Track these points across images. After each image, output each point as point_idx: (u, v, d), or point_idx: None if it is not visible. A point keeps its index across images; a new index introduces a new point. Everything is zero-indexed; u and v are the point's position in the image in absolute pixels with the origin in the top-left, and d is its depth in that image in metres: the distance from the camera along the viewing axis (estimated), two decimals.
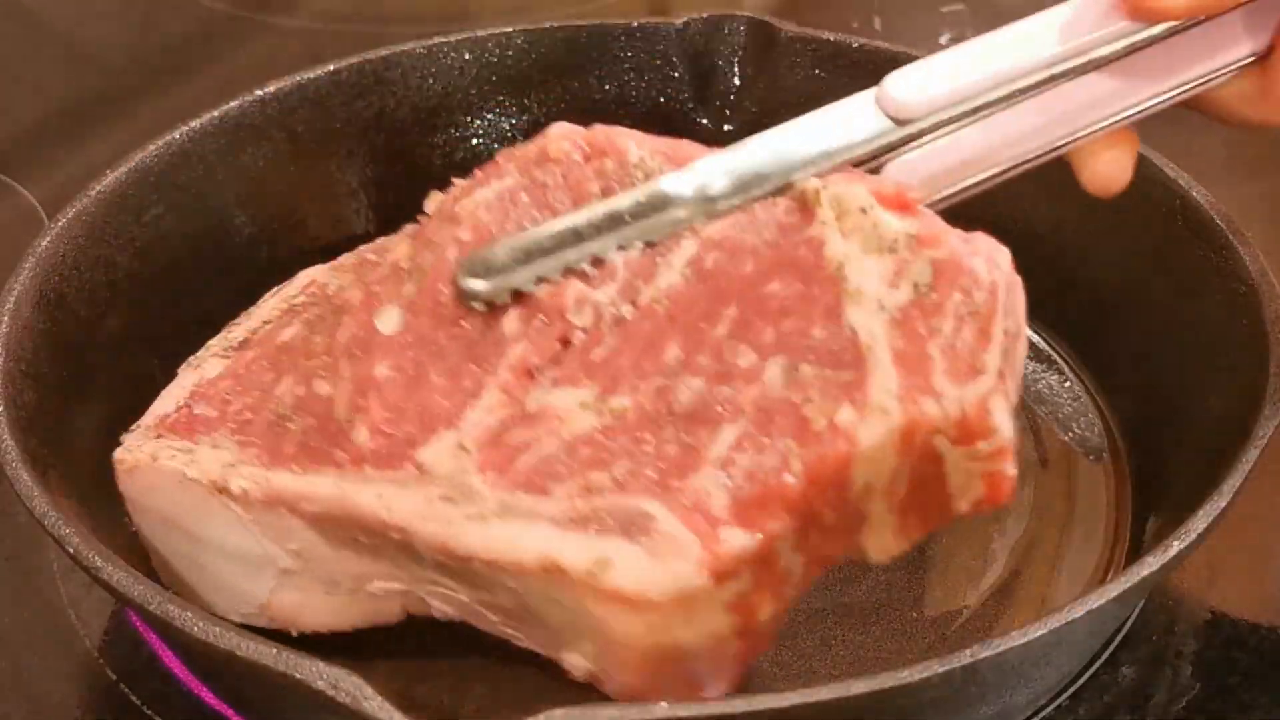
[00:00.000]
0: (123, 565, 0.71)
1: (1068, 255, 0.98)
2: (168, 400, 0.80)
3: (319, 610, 0.78)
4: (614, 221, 0.72)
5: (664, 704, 0.63)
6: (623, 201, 0.73)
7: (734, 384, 0.68)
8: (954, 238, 0.69)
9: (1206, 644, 0.82)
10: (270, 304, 0.85)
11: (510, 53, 1.10)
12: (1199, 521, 0.71)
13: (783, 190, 0.73)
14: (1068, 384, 0.97)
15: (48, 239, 0.88)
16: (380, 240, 0.85)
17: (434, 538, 0.69)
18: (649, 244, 0.73)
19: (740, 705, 0.64)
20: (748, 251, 0.71)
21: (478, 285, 0.72)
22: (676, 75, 1.10)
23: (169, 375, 0.95)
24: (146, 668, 0.81)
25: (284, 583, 0.77)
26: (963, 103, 0.75)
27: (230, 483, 0.74)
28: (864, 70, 1.08)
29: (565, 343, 0.72)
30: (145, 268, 0.95)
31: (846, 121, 0.75)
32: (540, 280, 0.72)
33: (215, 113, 1.00)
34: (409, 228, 0.81)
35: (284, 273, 1.03)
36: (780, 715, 0.63)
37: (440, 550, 0.69)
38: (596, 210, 0.73)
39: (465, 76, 1.09)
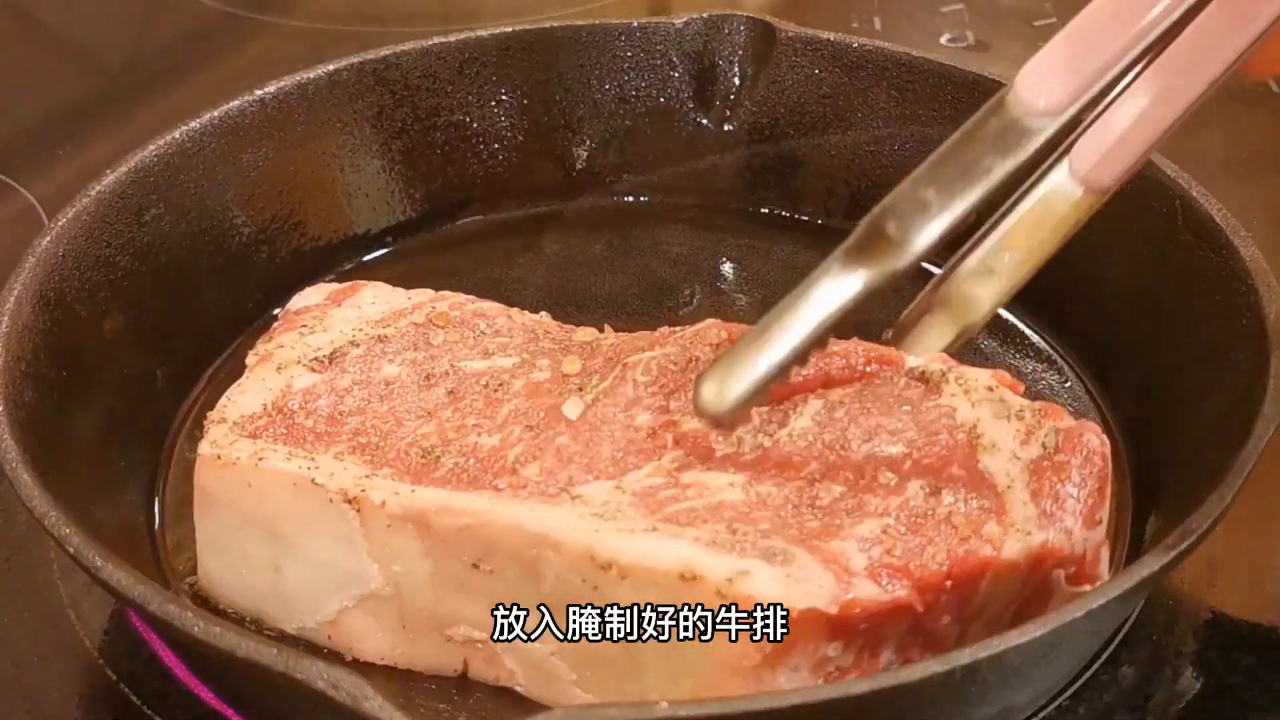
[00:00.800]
0: (123, 565, 0.71)
1: (1069, 256, 0.98)
2: (250, 398, 0.81)
3: (385, 641, 0.78)
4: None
5: (664, 704, 0.63)
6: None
7: (877, 493, 0.74)
8: (1068, 415, 0.78)
9: (1206, 644, 0.82)
10: (345, 316, 0.87)
11: (510, 53, 1.10)
12: (1199, 521, 0.71)
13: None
14: (1068, 384, 0.97)
15: (48, 239, 0.88)
16: (484, 304, 0.88)
17: (578, 543, 0.72)
18: (772, 400, 0.77)
19: (740, 705, 0.64)
20: (875, 410, 0.78)
21: (720, 407, 0.74)
22: (676, 75, 1.10)
23: (168, 376, 0.96)
24: (146, 668, 0.81)
25: (361, 605, 0.77)
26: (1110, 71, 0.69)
27: (369, 493, 0.75)
28: (864, 70, 1.09)
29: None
30: (145, 268, 0.95)
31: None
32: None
33: (215, 113, 1.01)
34: (547, 342, 0.85)
35: (283, 273, 1.05)
36: (780, 715, 0.63)
37: (581, 556, 0.71)
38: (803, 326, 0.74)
39: (465, 76, 1.10)
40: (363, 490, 0.76)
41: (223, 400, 0.82)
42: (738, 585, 0.68)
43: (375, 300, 0.89)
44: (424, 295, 0.89)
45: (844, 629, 0.69)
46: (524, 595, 0.73)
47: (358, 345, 0.84)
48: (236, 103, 1.01)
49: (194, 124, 0.99)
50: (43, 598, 0.85)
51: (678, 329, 0.85)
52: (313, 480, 0.76)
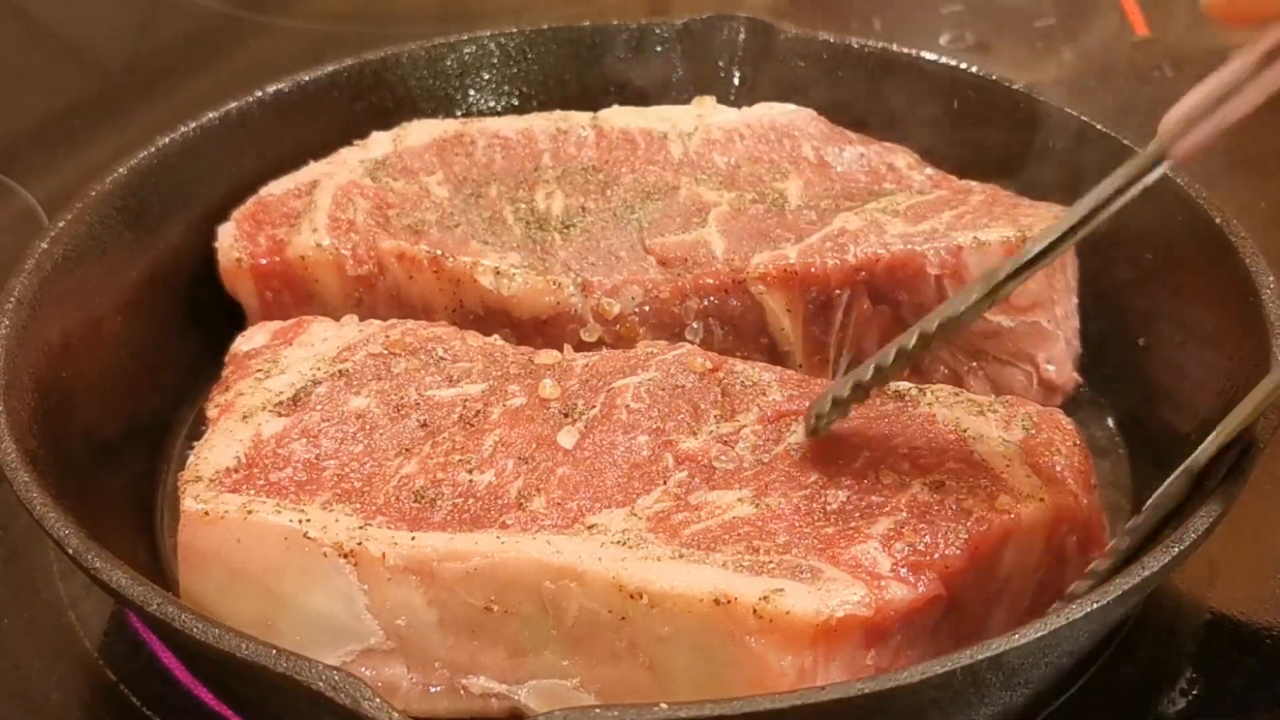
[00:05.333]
0: (123, 565, 0.71)
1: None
2: (221, 452, 0.79)
3: (396, 694, 0.76)
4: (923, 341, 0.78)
5: (663, 705, 0.63)
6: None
7: (882, 493, 0.76)
8: (1030, 402, 0.83)
9: (1206, 644, 0.82)
10: (299, 355, 0.85)
11: (510, 53, 1.10)
12: (1199, 521, 0.71)
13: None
14: None
15: (48, 239, 0.88)
16: (437, 329, 0.87)
17: (604, 574, 0.71)
18: (762, 421, 0.80)
19: (740, 706, 0.64)
20: (861, 422, 0.81)
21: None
22: (676, 75, 1.10)
23: (168, 376, 0.96)
24: (146, 668, 0.81)
25: (361, 660, 0.76)
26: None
27: (366, 545, 0.74)
28: (864, 70, 1.09)
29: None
30: (145, 268, 0.95)
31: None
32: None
33: (215, 113, 1.01)
34: (510, 366, 0.85)
35: None
36: (780, 715, 0.64)
37: (608, 587, 0.71)
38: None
39: (465, 76, 1.10)
40: (359, 543, 0.74)
41: (192, 458, 0.79)
42: (773, 604, 0.69)
43: (327, 336, 0.87)
44: (375, 326, 0.88)
45: (880, 634, 0.69)
46: (541, 633, 0.73)
47: (320, 383, 0.82)
48: (236, 103, 1.02)
49: (194, 124, 0.99)
50: (43, 598, 0.86)
51: (650, 348, 0.85)
52: (305, 534, 0.74)
